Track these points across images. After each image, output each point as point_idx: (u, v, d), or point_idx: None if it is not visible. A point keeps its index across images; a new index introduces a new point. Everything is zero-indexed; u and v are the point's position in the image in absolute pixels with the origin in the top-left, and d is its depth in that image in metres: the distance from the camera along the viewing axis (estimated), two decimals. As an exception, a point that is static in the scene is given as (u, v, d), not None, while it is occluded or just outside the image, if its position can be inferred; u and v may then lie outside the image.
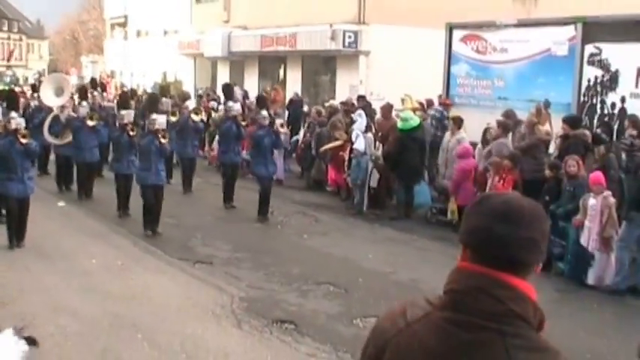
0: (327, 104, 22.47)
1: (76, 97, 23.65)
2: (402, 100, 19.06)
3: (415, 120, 16.77)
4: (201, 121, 20.85)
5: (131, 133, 16.22)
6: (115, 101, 24.18)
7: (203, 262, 12.98)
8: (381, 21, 25.74)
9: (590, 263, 11.98)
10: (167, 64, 40.78)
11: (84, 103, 20.79)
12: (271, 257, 12.94)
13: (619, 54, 14.67)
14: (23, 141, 13.43)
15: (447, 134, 16.95)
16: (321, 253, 13.85)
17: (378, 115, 19.71)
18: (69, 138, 18.83)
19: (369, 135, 17.29)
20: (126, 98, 21.31)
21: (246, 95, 26.69)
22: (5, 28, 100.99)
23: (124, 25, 51.15)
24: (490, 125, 15.94)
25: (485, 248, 2.41)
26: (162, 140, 14.90)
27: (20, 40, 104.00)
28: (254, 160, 16.87)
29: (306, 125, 21.81)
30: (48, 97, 20.31)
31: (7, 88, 29.17)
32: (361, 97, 22.32)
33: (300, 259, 12.98)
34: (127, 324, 9.75)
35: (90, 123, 18.28)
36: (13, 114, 14.80)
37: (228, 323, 9.93)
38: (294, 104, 25.52)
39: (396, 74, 23.59)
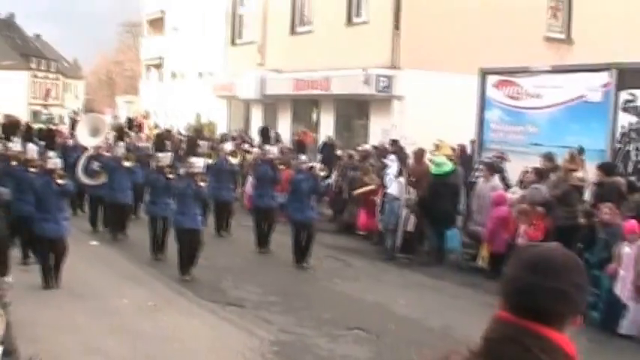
0: (359, 148, 22.52)
1: (111, 136, 23.73)
2: (436, 146, 19.05)
3: (448, 165, 16.77)
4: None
5: (169, 176, 16.25)
6: (151, 142, 24.18)
7: (234, 304, 12.98)
8: (415, 66, 25.77)
9: (623, 313, 11.85)
10: (201, 106, 41.07)
11: (120, 143, 20.84)
12: (302, 301, 12.92)
13: (654, 101, 14.65)
14: (60, 181, 13.50)
15: (481, 180, 16.90)
16: (352, 298, 13.80)
17: (411, 160, 19.70)
18: (103, 178, 18.86)
19: (402, 179, 17.26)
20: (162, 140, 21.15)
21: (278, 138, 26.81)
22: (43, 67, 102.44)
23: (159, 66, 51.66)
24: (528, 169, 15.87)
25: (515, 297, 2.46)
26: (200, 184, 14.88)
27: (57, 79, 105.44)
28: (291, 205, 16.65)
29: (338, 169, 21.83)
30: (84, 136, 20.35)
31: (43, 126, 29.40)
32: (394, 142, 22.35)
33: (331, 303, 12.95)
34: (158, 366, 9.77)
35: (126, 164, 18.42)
36: (51, 153, 14.88)
37: (258, 367, 9.92)
38: (327, 148, 25.59)
39: (428, 119, 23.56)
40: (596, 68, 15.95)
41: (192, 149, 17.82)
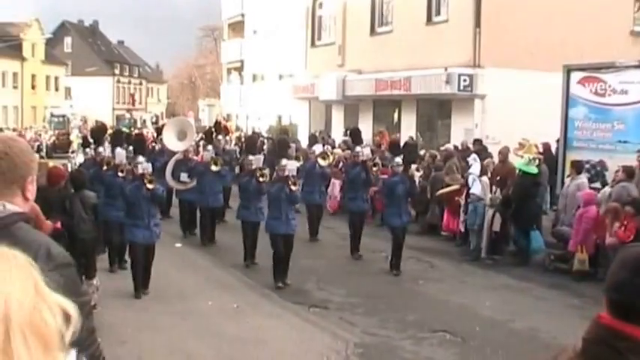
0: (442, 148, 22.34)
1: (197, 139, 23.67)
2: (520, 145, 18.78)
3: (533, 168, 16.50)
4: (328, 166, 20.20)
5: (261, 179, 15.75)
6: (238, 145, 24.08)
7: (318, 306, 12.98)
8: (497, 64, 25.49)
9: None
10: (282, 108, 41.30)
11: (209, 147, 20.45)
12: (386, 303, 12.84)
13: None
14: (150, 186, 13.38)
15: (567, 180, 16.61)
16: (436, 300, 13.68)
17: (495, 159, 19.47)
18: (193, 183, 18.90)
19: (485, 179, 17.04)
20: (253, 142, 20.53)
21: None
22: (127, 73, 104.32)
23: (240, 69, 52.11)
24: (618, 167, 15.55)
25: (609, 295, 2.44)
26: (293, 187, 14.43)
27: (140, 84, 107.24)
28: (387, 209, 16.30)
29: (421, 169, 21.66)
30: (170, 140, 20.24)
31: (126, 130, 29.66)
32: (477, 141, 22.12)
33: (415, 305, 12.85)
34: (243, 368, 9.82)
35: (214, 168, 18.36)
36: (140, 158, 14.61)
37: (343, 369, 9.90)
38: (408, 147, 25.36)
39: (511, 118, 23.27)
40: (682, 62, 15.57)
41: (284, 151, 16.94)
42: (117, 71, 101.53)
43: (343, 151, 22.58)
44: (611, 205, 14.22)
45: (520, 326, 12.06)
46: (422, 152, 23.09)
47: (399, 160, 16.19)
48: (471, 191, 16.79)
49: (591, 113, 17.54)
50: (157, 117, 61.59)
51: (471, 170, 17.91)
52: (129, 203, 13.63)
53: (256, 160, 16.76)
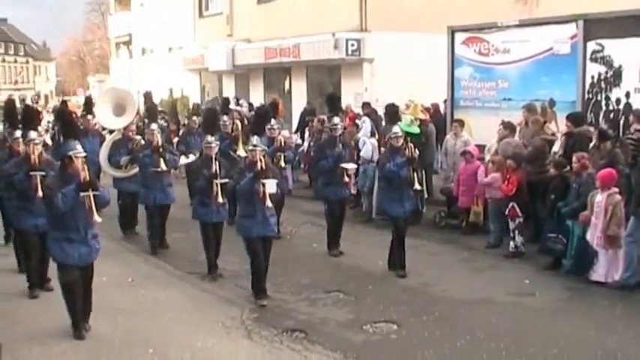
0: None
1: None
2: (407, 106, 19.01)
3: (414, 128, 16.72)
4: None
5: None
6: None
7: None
8: (383, 28, 25.75)
9: (594, 260, 11.97)
10: (173, 81, 40.84)
11: (153, 125, 15.47)
12: (281, 267, 12.89)
13: (621, 50, 14.70)
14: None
15: (449, 137, 16.94)
16: (330, 262, 13.88)
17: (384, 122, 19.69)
18: (135, 169, 15.70)
19: (374, 141, 17.23)
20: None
21: (251, 107, 26.59)
22: (12, 51, 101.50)
23: (128, 43, 51.32)
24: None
25: None
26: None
27: (27, 62, 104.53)
28: (385, 194, 13.39)
29: (311, 135, 21.75)
30: (106, 117, 16.71)
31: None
32: (366, 104, 22.29)
33: (309, 268, 12.96)
34: (138, 340, 9.77)
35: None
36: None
37: (238, 335, 9.95)
38: (307, 114, 25.37)
39: (400, 80, 23.57)
40: (562, 20, 15.95)
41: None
42: (1, 50, 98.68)
43: (322, 124, 20.06)
44: (496, 158, 14.63)
45: (413, 282, 12.32)
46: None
47: (396, 129, 13.29)
48: (361, 154, 16.96)
49: (476, 73, 17.90)
50: (37, 96, 59.66)
51: (360, 133, 18.10)
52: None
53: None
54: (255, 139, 11.77)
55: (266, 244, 11.59)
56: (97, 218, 9.64)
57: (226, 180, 12.41)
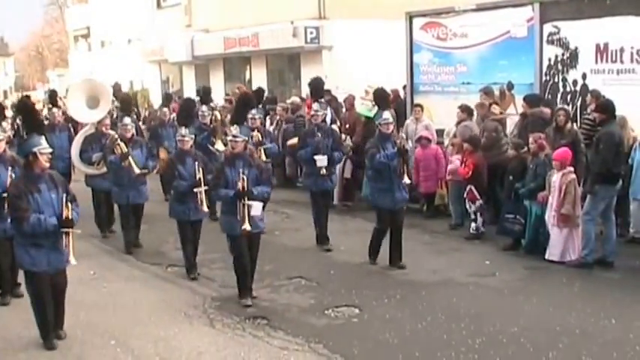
0: (288, 101, 22.35)
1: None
2: (366, 92, 19.05)
3: (371, 111, 16.82)
4: None
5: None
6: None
7: (176, 265, 13.00)
8: (342, 15, 25.84)
9: (548, 240, 12.15)
10: (133, 73, 40.58)
11: (127, 119, 14.67)
12: (243, 255, 12.88)
13: (577, 31, 14.78)
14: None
15: (410, 122, 17.03)
16: (293, 249, 13.95)
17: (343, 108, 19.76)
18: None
19: (335, 127, 17.25)
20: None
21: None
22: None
23: (87, 36, 50.90)
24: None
25: None
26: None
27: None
28: (374, 184, 12.66)
29: (274, 123, 21.69)
30: (79, 110, 16.01)
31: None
32: (326, 92, 22.27)
33: (271, 256, 12.96)
34: (100, 332, 9.74)
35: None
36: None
37: (200, 323, 9.96)
38: (269, 103, 25.30)
39: (360, 67, 23.68)
40: (519, 4, 16.03)
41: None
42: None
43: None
44: (456, 141, 14.78)
45: (375, 267, 12.40)
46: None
47: (386, 113, 12.98)
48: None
49: (435, 57, 17.93)
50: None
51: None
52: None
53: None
54: (234, 129, 11.09)
55: (253, 240, 10.96)
56: (72, 260, 9.19)
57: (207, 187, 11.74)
